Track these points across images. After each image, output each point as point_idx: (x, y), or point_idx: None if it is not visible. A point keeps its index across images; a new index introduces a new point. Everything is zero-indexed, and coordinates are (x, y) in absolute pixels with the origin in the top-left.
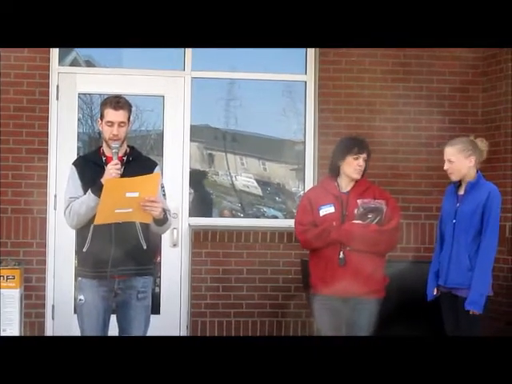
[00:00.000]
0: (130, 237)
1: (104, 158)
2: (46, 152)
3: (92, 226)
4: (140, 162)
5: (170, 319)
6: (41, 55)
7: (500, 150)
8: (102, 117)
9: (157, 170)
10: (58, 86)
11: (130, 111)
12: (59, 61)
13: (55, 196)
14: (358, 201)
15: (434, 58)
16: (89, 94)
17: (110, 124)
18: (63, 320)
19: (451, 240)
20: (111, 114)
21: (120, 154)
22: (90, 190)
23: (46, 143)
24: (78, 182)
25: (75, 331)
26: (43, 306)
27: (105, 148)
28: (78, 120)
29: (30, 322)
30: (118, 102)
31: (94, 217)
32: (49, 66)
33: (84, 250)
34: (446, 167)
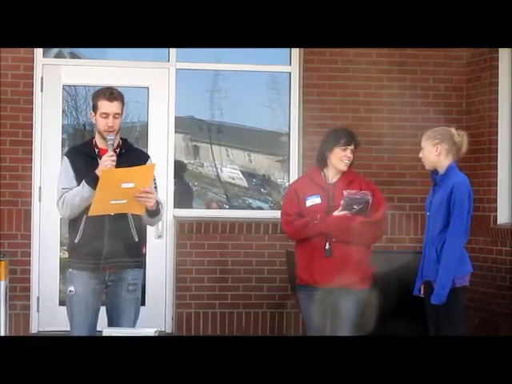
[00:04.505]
0: (122, 229)
1: (97, 150)
2: (30, 144)
3: (84, 218)
4: (132, 154)
5: (155, 310)
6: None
7: (484, 140)
8: (95, 109)
9: (149, 162)
10: (42, 78)
11: (123, 102)
12: (43, 53)
13: (40, 188)
14: (344, 192)
15: (418, 50)
16: (73, 86)
17: (105, 116)
18: (48, 312)
19: (426, 233)
20: (106, 106)
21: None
22: (84, 181)
23: (31, 135)
24: (71, 173)
25: (60, 323)
26: (28, 298)
27: (98, 140)
28: (63, 112)
29: (15, 314)
30: (111, 93)
31: (86, 208)
32: (33, 57)
33: (76, 241)
34: (420, 154)
